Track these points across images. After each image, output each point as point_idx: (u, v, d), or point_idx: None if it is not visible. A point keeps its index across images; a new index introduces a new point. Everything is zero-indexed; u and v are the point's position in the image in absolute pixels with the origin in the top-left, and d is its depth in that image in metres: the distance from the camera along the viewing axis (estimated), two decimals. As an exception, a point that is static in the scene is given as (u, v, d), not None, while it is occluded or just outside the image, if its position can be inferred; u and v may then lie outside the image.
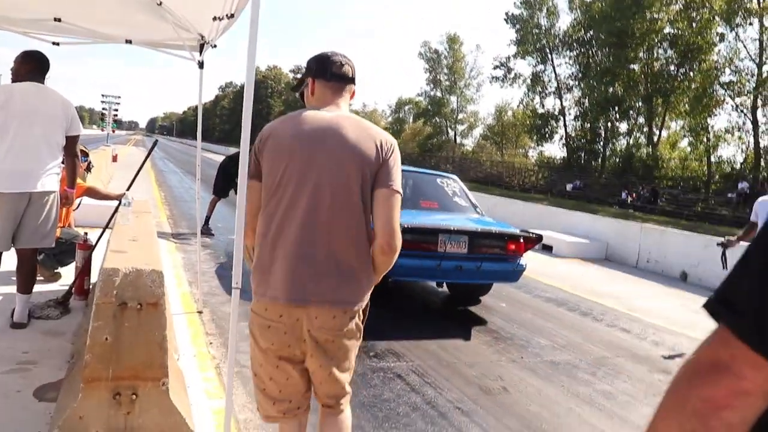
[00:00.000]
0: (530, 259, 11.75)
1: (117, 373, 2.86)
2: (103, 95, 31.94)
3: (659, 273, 11.84)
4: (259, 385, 2.44)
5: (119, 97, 32.00)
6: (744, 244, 6.82)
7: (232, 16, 3.56)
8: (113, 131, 34.84)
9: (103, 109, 32.08)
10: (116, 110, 32.13)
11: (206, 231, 10.48)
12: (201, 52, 5.18)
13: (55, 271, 6.01)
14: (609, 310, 8.05)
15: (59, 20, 4.97)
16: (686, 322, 7.77)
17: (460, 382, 4.77)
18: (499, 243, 6.71)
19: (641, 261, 12.44)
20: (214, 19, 4.15)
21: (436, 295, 8.01)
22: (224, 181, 10.88)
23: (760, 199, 6.21)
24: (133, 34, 5.38)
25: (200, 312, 5.80)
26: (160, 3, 4.43)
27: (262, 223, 2.34)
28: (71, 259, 5.79)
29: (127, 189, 5.29)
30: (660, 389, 5.09)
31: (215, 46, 4.86)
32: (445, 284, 7.87)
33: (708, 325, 0.85)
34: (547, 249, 13.16)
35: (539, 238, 7.01)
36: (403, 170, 7.88)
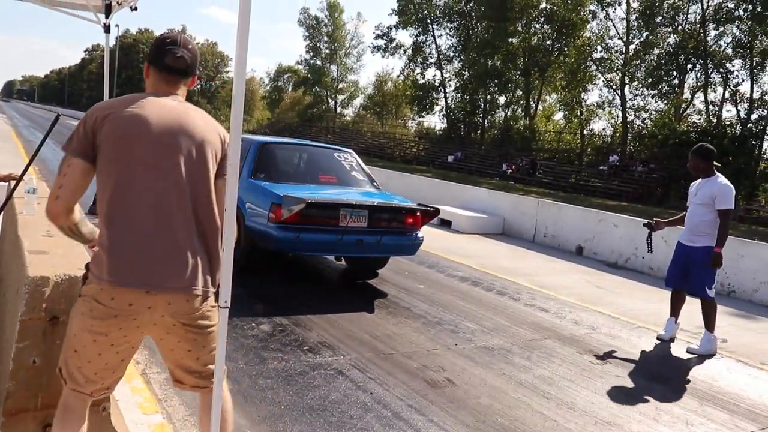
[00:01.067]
0: (433, 235, 11.75)
1: (47, 401, 2.40)
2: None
3: (556, 247, 12.06)
4: (74, 362, 2.20)
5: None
6: (671, 229, 6.93)
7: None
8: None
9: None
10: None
11: (93, 211, 9.60)
12: (108, 15, 4.50)
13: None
14: (522, 288, 8.02)
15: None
16: (594, 298, 7.91)
17: (404, 375, 4.48)
18: (397, 217, 6.87)
19: (538, 235, 12.63)
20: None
21: (335, 270, 7.86)
22: None
23: (693, 183, 6.28)
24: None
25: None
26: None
27: (109, 207, 2.17)
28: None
29: (24, 171, 4.58)
30: (594, 372, 5.04)
31: (136, 8, 4.20)
32: (343, 258, 8.00)
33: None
34: (446, 224, 13.13)
35: (436, 211, 7.18)
36: (301, 143, 7.62)
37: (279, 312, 5.66)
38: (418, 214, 6.98)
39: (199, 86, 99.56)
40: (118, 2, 4.23)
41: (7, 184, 4.11)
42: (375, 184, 7.92)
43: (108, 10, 4.36)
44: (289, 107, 74.50)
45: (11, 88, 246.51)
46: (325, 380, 4.21)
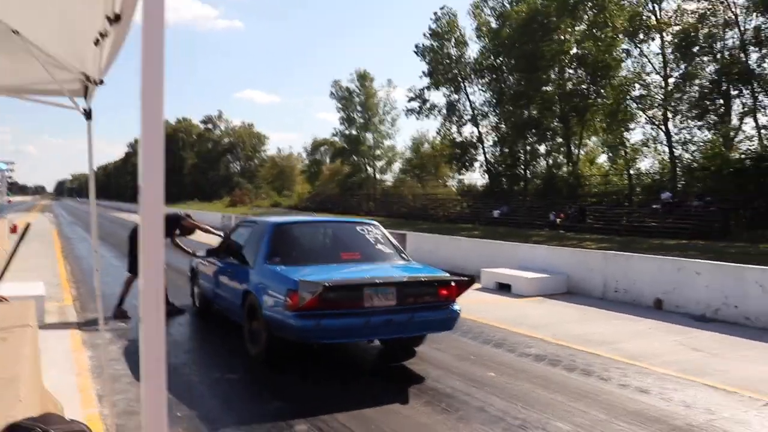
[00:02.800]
0: (492, 303, 10.70)
1: None
2: (-9, 164, 28.97)
3: (630, 303, 10.88)
4: None
5: (12, 162, 29.33)
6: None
7: (118, 18, 2.18)
8: (9, 201, 31.96)
9: (-5, 179, 29.17)
10: (10, 177, 29.36)
11: (120, 314, 8.86)
12: (87, 97, 3.75)
13: None
14: (608, 362, 6.88)
15: None
16: (696, 366, 6.72)
17: None
18: (429, 290, 6.33)
19: (608, 291, 11.47)
20: (96, 42, 2.75)
21: (368, 352, 6.92)
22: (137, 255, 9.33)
23: None
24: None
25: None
26: (17, 32, 3.02)
27: None
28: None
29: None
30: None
31: (102, 81, 3.42)
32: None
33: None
34: (505, 288, 12.08)
35: (471, 280, 6.57)
36: (320, 220, 6.96)
37: (307, 413, 4.83)
38: (452, 284, 6.41)
39: (239, 167, 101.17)
40: (93, 81, 3.45)
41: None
42: (403, 255, 7.42)
43: (86, 92, 3.58)
44: (329, 178, 74.46)
45: (62, 187, 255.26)
46: None
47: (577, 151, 45.63)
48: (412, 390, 5.78)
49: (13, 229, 24.51)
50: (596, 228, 33.14)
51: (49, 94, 3.86)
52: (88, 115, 3.74)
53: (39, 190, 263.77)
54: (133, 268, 9.28)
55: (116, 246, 19.98)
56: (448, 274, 6.69)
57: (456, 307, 6.46)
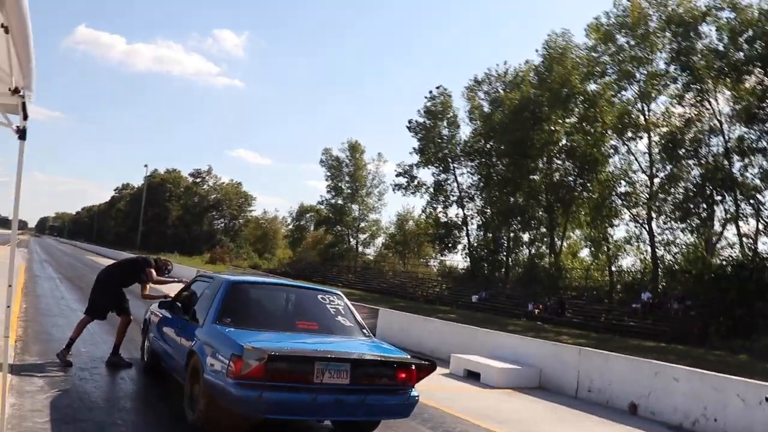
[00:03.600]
0: (459, 391, 10.12)
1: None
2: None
3: (604, 404, 10.31)
4: None
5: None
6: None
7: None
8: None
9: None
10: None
11: (62, 356, 8.23)
12: (23, 114, 3.34)
13: None
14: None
15: None
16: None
17: None
18: (386, 372, 5.86)
19: (581, 390, 10.91)
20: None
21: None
22: (105, 298, 8.83)
23: None
24: None
25: None
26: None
27: None
28: None
29: None
30: None
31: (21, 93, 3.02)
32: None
33: None
34: (474, 376, 11.50)
35: (432, 365, 6.06)
36: (280, 283, 6.31)
37: None
38: (412, 368, 5.90)
39: (222, 224, 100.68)
40: (13, 91, 3.04)
41: None
42: (365, 331, 6.92)
43: (23, 109, 3.17)
44: (311, 246, 74.14)
45: (45, 224, 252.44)
46: None
47: (560, 242, 45.62)
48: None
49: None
50: (575, 322, 32.75)
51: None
52: (22, 134, 3.33)
53: (21, 225, 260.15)
54: (90, 311, 8.83)
55: (81, 289, 19.32)
56: (408, 356, 6.19)
57: (414, 393, 5.97)
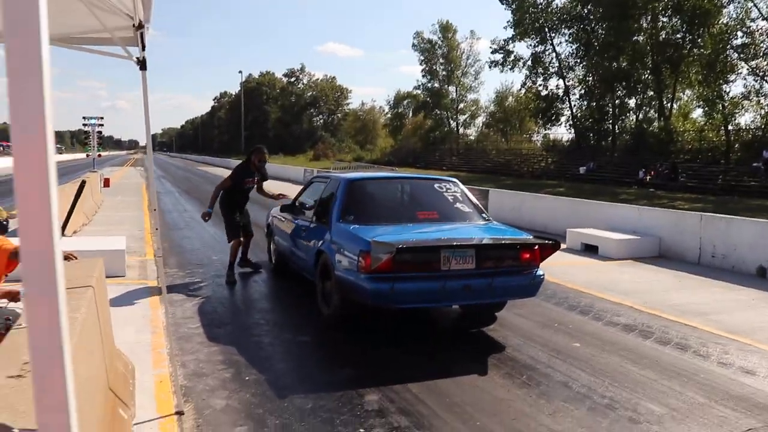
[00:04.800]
0: (579, 266, 10.19)
1: None
2: (84, 118, 29.87)
3: (729, 270, 10.13)
4: None
5: (101, 118, 29.96)
6: None
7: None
8: (99, 155, 32.94)
9: (86, 132, 30.01)
10: (100, 132, 30.09)
11: (229, 278, 8.52)
12: (142, 45, 3.49)
13: None
14: (707, 336, 6.34)
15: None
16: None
17: None
18: (511, 254, 5.97)
19: (704, 256, 10.73)
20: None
21: (445, 317, 6.42)
22: (233, 221, 8.92)
23: None
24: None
25: (180, 413, 4.15)
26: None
27: None
28: None
29: (63, 228, 3.74)
30: None
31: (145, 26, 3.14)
32: None
33: None
34: (592, 249, 11.51)
35: (557, 244, 6.13)
36: (395, 176, 6.47)
37: (378, 382, 4.58)
38: (536, 248, 6.02)
39: (321, 121, 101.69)
40: (141, 25, 3.17)
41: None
42: (484, 215, 7.04)
43: (141, 40, 3.31)
44: (411, 133, 73.79)
45: (154, 141, 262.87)
46: None
47: (669, 105, 43.31)
48: (490, 360, 5.45)
49: (106, 183, 25.32)
50: (689, 186, 31.52)
51: (101, 43, 3.63)
52: (142, 65, 3.49)
53: (132, 145, 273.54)
54: (230, 236, 8.94)
55: (200, 201, 20.32)
56: (531, 237, 6.28)
57: (540, 272, 6.09)
